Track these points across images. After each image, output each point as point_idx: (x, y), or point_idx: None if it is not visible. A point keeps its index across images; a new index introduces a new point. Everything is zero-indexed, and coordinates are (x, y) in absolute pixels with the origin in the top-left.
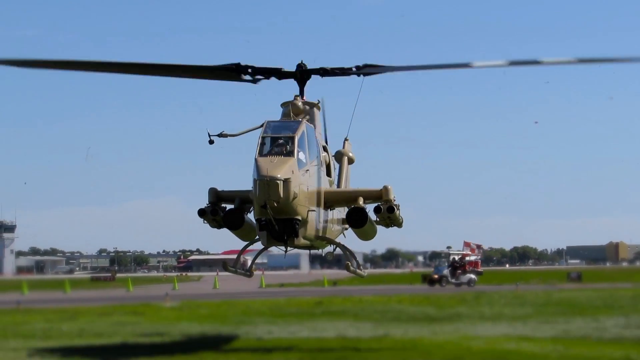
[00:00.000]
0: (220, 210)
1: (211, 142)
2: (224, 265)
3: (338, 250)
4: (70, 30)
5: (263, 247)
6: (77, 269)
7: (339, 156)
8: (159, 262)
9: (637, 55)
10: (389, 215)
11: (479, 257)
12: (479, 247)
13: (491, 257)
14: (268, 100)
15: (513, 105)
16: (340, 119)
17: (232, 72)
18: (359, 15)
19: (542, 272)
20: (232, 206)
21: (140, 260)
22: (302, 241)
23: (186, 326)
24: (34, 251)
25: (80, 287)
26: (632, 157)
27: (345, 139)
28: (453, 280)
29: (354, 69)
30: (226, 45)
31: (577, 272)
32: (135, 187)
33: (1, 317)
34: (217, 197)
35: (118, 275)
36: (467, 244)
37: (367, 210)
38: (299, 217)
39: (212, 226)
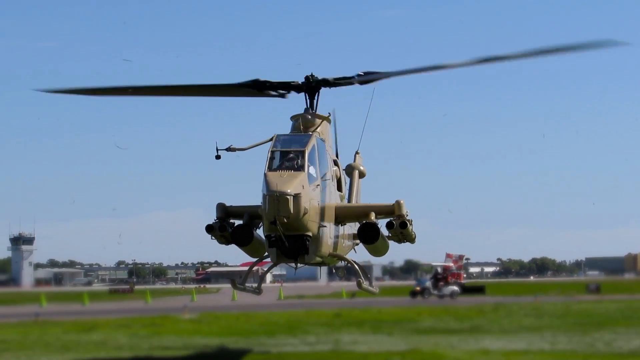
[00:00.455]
0: (229, 226)
1: (218, 157)
2: (232, 283)
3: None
4: (87, 42)
5: (272, 264)
6: (96, 281)
7: (349, 170)
8: (177, 274)
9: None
10: (402, 231)
11: (462, 268)
12: (460, 257)
13: (510, 268)
14: (278, 113)
15: (531, 116)
16: (351, 131)
17: (252, 88)
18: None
19: (561, 283)
20: (240, 222)
21: (158, 272)
22: (313, 258)
23: (204, 339)
24: (53, 263)
25: (99, 299)
26: None
27: (356, 152)
28: (435, 292)
29: (355, 77)
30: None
31: (595, 284)
32: (153, 199)
33: (20, 329)
34: (225, 212)
35: (136, 287)
36: (449, 256)
37: (379, 226)
38: (310, 234)
39: (220, 242)
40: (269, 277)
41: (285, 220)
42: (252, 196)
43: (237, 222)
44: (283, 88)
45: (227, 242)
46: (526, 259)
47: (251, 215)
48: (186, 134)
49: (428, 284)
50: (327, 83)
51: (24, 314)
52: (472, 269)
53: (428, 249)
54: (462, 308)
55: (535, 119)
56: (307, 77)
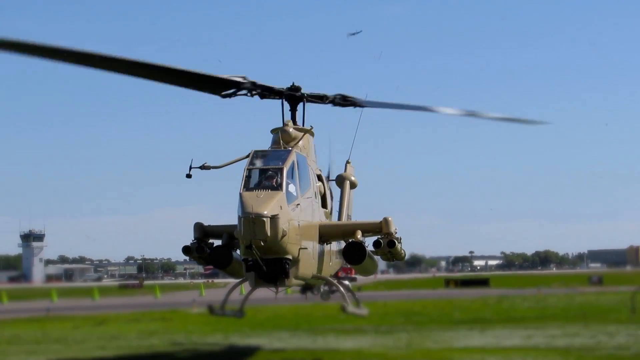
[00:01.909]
0: (207, 247)
1: (189, 176)
2: (209, 309)
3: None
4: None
5: (250, 285)
6: (105, 276)
7: (340, 180)
8: (185, 269)
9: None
10: (390, 250)
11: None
12: None
13: (513, 261)
14: (259, 122)
15: (534, 109)
16: (342, 138)
17: (228, 85)
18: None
19: (564, 276)
20: (219, 242)
21: (167, 268)
22: (293, 281)
23: (213, 332)
24: (63, 259)
25: (109, 295)
26: None
27: (347, 162)
28: (326, 287)
29: (330, 98)
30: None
31: (598, 276)
32: (162, 195)
33: (31, 324)
34: (203, 232)
35: (145, 282)
36: None
37: (365, 245)
38: (290, 257)
39: (199, 263)
40: None
41: (262, 244)
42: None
43: (217, 242)
44: (266, 93)
45: (206, 263)
46: (529, 252)
47: (230, 235)
48: (195, 130)
49: None
50: (311, 98)
51: (35, 309)
52: (477, 262)
53: (432, 243)
54: (466, 300)
55: (541, 111)
56: (290, 87)
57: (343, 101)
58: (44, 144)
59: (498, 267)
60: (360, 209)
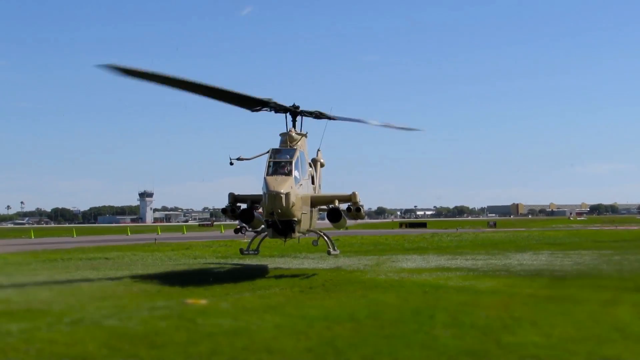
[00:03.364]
0: (237, 209)
1: (231, 163)
2: (240, 250)
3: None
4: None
5: (269, 237)
6: (190, 219)
7: (314, 162)
8: None
9: None
10: (357, 213)
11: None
12: None
13: (441, 212)
14: (269, 129)
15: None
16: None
17: (257, 103)
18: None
19: (472, 221)
20: (245, 205)
21: None
22: (297, 235)
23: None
24: (164, 208)
25: (192, 230)
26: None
27: (318, 150)
28: (250, 230)
29: (314, 113)
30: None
31: (493, 221)
32: (223, 171)
33: (144, 248)
34: (234, 199)
35: (215, 223)
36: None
37: (341, 210)
38: (296, 219)
39: (232, 219)
40: None
41: (279, 211)
42: (253, 187)
43: (243, 205)
44: (277, 108)
45: (236, 219)
46: (451, 206)
47: (252, 201)
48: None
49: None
50: (303, 113)
51: (147, 239)
52: (419, 212)
53: (393, 197)
54: (412, 235)
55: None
56: (292, 105)
57: (319, 115)
58: (152, 124)
59: (432, 215)
60: (339, 184)
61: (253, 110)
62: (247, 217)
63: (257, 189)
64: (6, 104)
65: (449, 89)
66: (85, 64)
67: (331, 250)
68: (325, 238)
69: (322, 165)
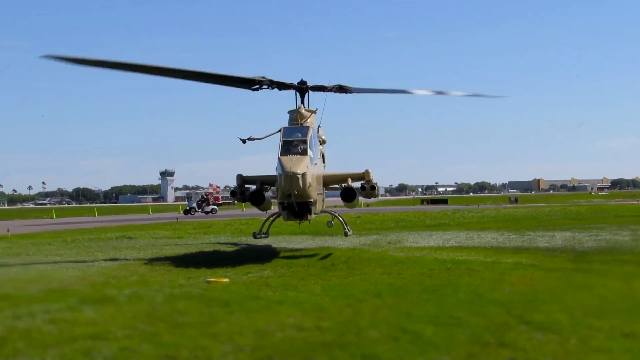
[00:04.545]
0: (246, 191)
1: (244, 141)
2: (253, 235)
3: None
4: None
5: (284, 219)
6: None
7: None
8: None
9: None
10: (371, 192)
11: (218, 193)
12: (218, 186)
13: (462, 188)
14: (274, 106)
15: None
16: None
17: (253, 83)
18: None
19: (493, 197)
20: (254, 187)
21: None
22: (312, 216)
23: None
24: (185, 187)
25: None
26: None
27: (319, 126)
28: (200, 210)
29: (334, 88)
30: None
31: (515, 197)
32: (241, 151)
33: (166, 227)
34: (243, 180)
35: (236, 202)
36: (211, 185)
37: (355, 189)
38: (312, 200)
39: (240, 202)
40: None
41: (296, 192)
42: (263, 168)
43: (251, 187)
44: (281, 86)
45: (245, 202)
46: (472, 182)
47: (262, 182)
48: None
49: (194, 205)
50: (313, 88)
51: (169, 217)
52: (440, 189)
53: (414, 175)
54: (433, 212)
55: None
56: (300, 82)
57: (339, 89)
58: (172, 106)
59: (453, 192)
60: (356, 160)
61: (253, 89)
62: (257, 199)
63: (265, 171)
64: (27, 83)
65: (470, 63)
66: (106, 43)
67: (348, 231)
68: (340, 219)
69: (323, 142)
